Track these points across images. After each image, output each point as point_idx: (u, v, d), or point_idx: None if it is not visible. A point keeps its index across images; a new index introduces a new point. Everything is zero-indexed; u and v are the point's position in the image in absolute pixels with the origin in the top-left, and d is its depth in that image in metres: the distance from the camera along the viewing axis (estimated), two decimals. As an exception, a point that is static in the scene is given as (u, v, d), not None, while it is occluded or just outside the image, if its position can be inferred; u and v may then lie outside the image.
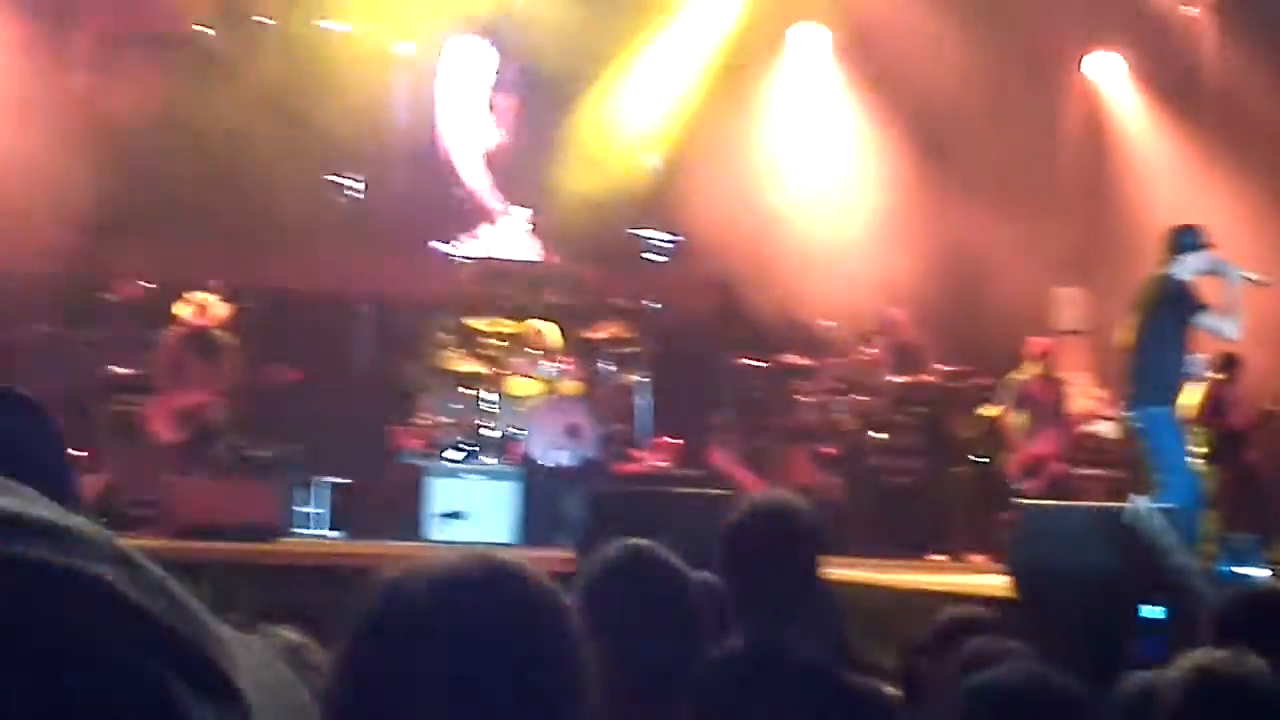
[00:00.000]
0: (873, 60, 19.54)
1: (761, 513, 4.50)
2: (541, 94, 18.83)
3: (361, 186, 18.36)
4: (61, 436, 2.25)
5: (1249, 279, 11.84)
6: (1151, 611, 9.54)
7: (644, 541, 3.43)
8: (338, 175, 18.29)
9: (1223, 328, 11.71)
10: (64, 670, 0.80)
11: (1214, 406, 14.83)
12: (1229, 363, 14.90)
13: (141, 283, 16.49)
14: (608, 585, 3.31)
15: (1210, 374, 14.61)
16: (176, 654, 0.84)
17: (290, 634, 3.43)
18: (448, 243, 18.11)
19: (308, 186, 17.98)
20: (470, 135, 18.60)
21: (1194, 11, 19.10)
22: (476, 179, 18.55)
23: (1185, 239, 11.80)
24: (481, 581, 2.17)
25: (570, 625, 2.22)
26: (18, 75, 17.40)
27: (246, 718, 0.87)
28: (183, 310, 15.26)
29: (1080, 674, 3.70)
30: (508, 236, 18.21)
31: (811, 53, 19.97)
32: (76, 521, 0.87)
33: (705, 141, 19.02)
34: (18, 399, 2.16)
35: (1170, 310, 11.64)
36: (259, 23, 18.35)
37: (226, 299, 15.49)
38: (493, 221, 18.34)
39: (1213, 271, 11.76)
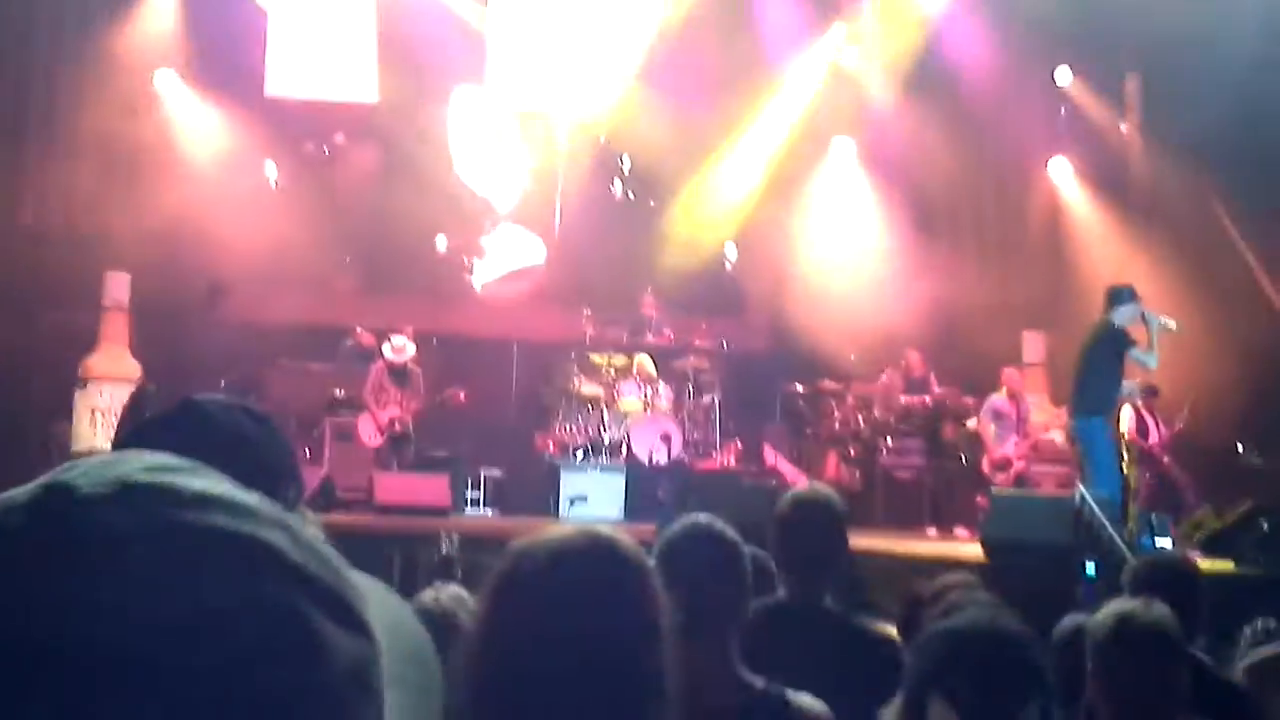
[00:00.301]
0: (885, 162, 19.54)
1: (805, 499, 4.51)
2: (649, 188, 18.85)
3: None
4: (287, 439, 2.30)
5: (1165, 325, 11.85)
6: (1090, 568, 9.48)
7: (705, 515, 3.43)
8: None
9: (1148, 360, 11.75)
10: (239, 607, 0.82)
11: (1139, 423, 14.71)
12: (1151, 390, 14.78)
13: (368, 333, 16.63)
14: (679, 548, 3.32)
15: (1138, 398, 14.53)
16: (323, 596, 0.85)
17: (448, 594, 3.46)
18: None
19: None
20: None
21: (1124, 128, 18.99)
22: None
23: (1121, 294, 11.81)
24: (584, 548, 2.21)
25: (650, 580, 2.25)
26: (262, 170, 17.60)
27: (373, 644, 0.88)
28: (386, 350, 15.39)
29: (1036, 618, 3.69)
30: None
31: (842, 157, 19.98)
32: (253, 499, 0.88)
33: (765, 223, 19.04)
34: (254, 411, 2.22)
35: (1108, 346, 11.64)
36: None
37: (415, 341, 15.59)
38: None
39: (1141, 320, 11.75)
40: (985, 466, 15.27)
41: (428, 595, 3.38)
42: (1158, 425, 14.85)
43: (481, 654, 2.17)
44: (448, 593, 3.51)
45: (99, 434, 16.02)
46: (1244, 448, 15.42)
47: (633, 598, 2.19)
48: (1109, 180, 18.82)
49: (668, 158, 18.66)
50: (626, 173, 18.62)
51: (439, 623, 3.23)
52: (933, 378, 16.84)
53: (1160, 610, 4.00)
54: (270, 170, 17.88)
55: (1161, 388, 14.86)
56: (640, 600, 2.20)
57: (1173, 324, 12.04)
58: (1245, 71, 14.76)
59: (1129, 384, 12.40)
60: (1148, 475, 14.49)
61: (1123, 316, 11.70)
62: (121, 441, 2.09)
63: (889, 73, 19.38)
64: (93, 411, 16.09)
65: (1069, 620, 4.74)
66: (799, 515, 4.41)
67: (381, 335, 15.96)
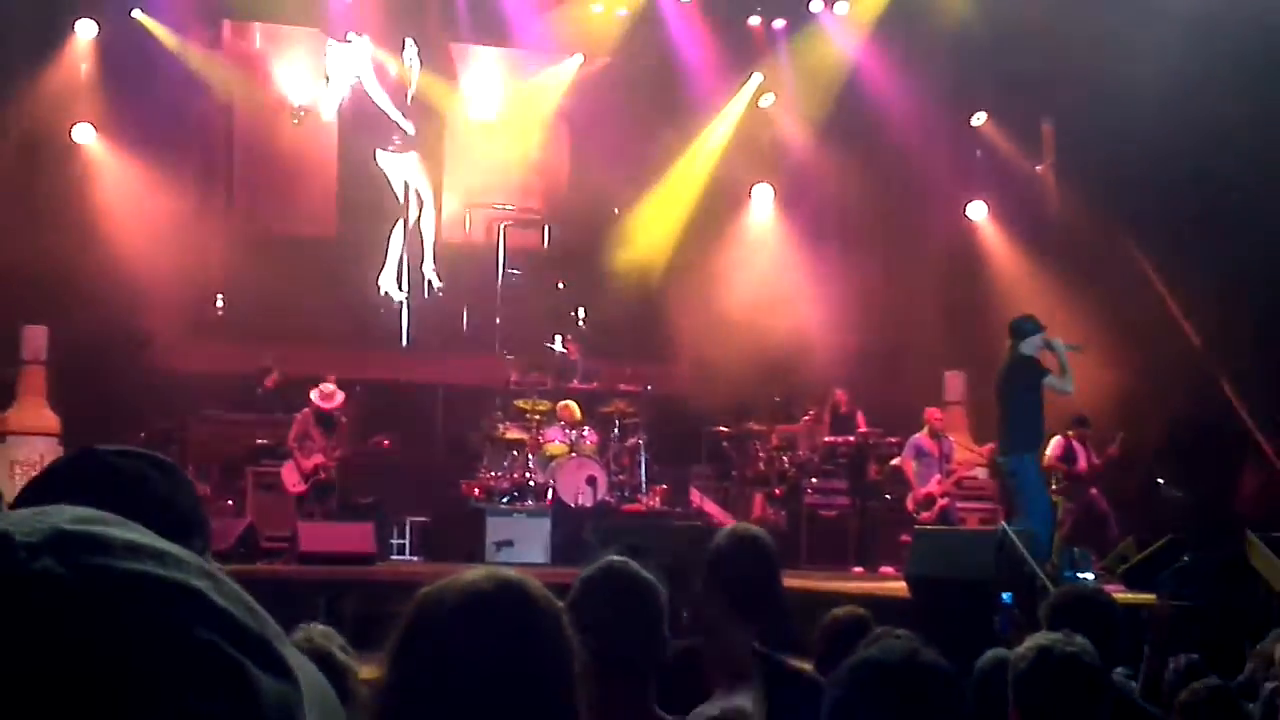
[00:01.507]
0: (805, 206, 19.71)
1: (737, 537, 4.49)
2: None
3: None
4: (193, 488, 2.25)
5: (1071, 348, 11.93)
6: (1008, 597, 9.52)
7: (619, 558, 3.40)
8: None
9: (1064, 386, 11.76)
10: (169, 652, 0.86)
11: (1067, 454, 14.79)
12: (1080, 421, 14.87)
13: (277, 374, 16.51)
14: (594, 591, 3.29)
15: (1069, 428, 14.66)
16: (249, 641, 0.89)
17: (319, 632, 3.44)
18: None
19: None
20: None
21: (1039, 169, 19.24)
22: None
23: (1025, 325, 11.86)
24: (493, 592, 2.17)
25: (561, 624, 2.21)
26: (180, 221, 17.47)
27: (296, 687, 0.92)
28: (314, 396, 15.29)
29: (960, 652, 3.69)
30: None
31: (763, 202, 20.12)
32: (177, 549, 0.92)
33: (688, 267, 19.11)
34: (160, 460, 2.17)
35: (1023, 380, 11.69)
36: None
37: (341, 387, 15.50)
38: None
39: (1047, 347, 11.80)
40: (909, 504, 15.34)
41: (299, 634, 3.36)
42: (1088, 455, 14.94)
43: (391, 702, 2.14)
44: (318, 630, 3.50)
45: (17, 487, 15.78)
46: (1164, 481, 15.59)
47: (543, 642, 2.16)
48: (1025, 221, 19.04)
49: (590, 205, 18.74)
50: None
51: (315, 661, 3.20)
52: (860, 416, 16.93)
53: (1081, 642, 4.01)
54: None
55: (1092, 421, 14.98)
56: (551, 644, 2.17)
57: (1078, 346, 12.15)
58: (1155, 111, 15.00)
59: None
60: (1072, 506, 14.59)
61: (1030, 347, 11.76)
62: (23, 493, 2.05)
63: (808, 119, 19.55)
64: (12, 465, 15.93)
65: (990, 654, 4.76)
66: (733, 553, 4.39)
67: (279, 375, 15.92)
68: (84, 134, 17.53)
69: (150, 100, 17.50)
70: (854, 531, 16.11)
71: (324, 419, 15.17)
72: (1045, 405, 11.89)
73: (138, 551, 0.89)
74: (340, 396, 15.30)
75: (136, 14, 17.61)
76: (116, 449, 2.23)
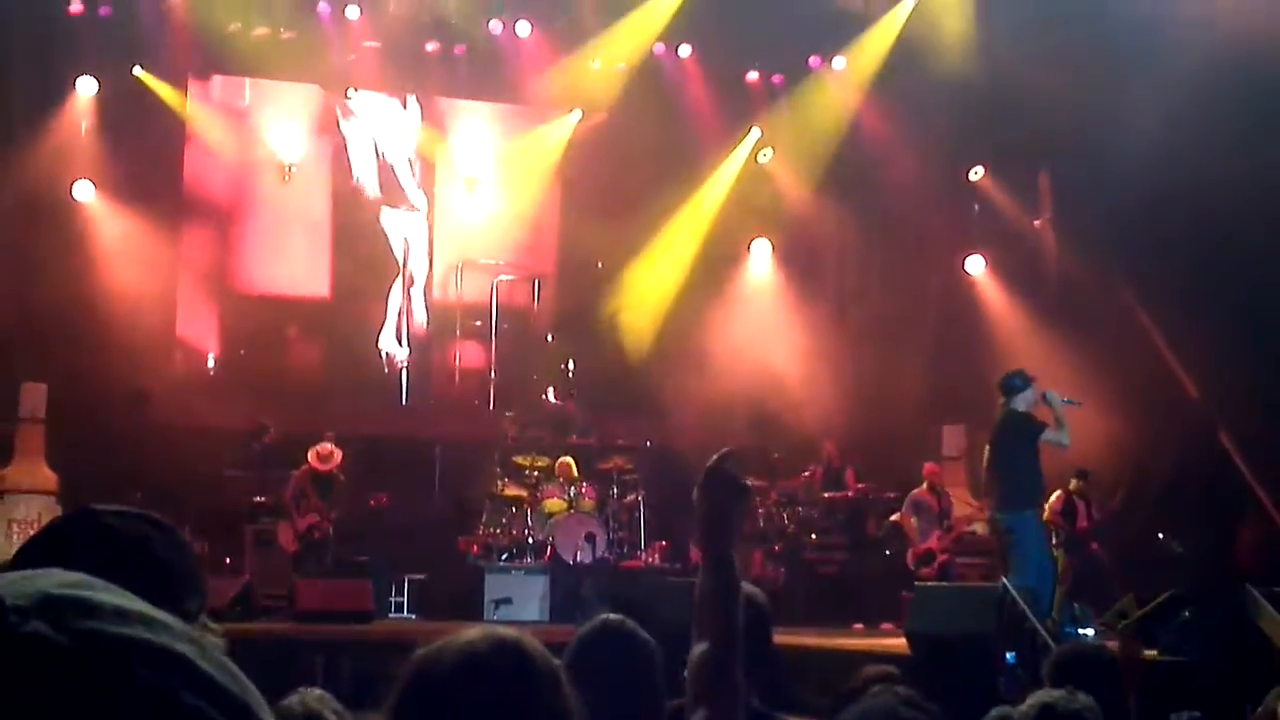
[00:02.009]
0: (803, 260, 19.76)
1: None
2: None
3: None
4: (190, 548, 2.25)
5: (1070, 403, 11.88)
6: (1011, 658, 9.49)
7: (614, 617, 3.40)
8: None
9: (1060, 439, 11.68)
10: (157, 716, 0.88)
11: (1068, 509, 14.74)
12: (1081, 475, 14.84)
13: (275, 432, 16.48)
14: (591, 649, 3.28)
15: (1069, 482, 14.62)
16: (232, 705, 0.92)
17: (313, 696, 3.44)
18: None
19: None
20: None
21: (1037, 223, 19.28)
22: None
23: (1015, 381, 11.80)
24: (490, 652, 2.17)
25: (559, 683, 2.21)
26: (179, 278, 17.50)
27: None
28: (310, 457, 15.27)
29: (958, 708, 3.68)
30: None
31: (761, 256, 20.17)
32: (163, 614, 0.93)
33: (686, 322, 19.13)
34: (157, 520, 2.18)
35: (1018, 435, 11.64)
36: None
37: (337, 445, 15.49)
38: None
39: (1043, 400, 11.74)
40: (910, 560, 15.30)
41: (293, 699, 3.35)
42: (1089, 509, 14.89)
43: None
44: (313, 695, 3.50)
45: (14, 546, 15.77)
46: (1164, 536, 15.55)
47: (542, 702, 2.15)
48: (1023, 274, 19.07)
49: (589, 261, 18.79)
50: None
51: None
52: (849, 471, 16.91)
53: (1084, 700, 4.01)
54: None
55: (1095, 475, 14.94)
56: (549, 704, 2.16)
57: (1077, 402, 12.11)
58: (1153, 164, 15.07)
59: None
60: (1073, 561, 14.54)
61: (1023, 402, 11.71)
62: (20, 553, 2.05)
63: (806, 173, 19.64)
64: (9, 523, 15.90)
65: (995, 712, 4.74)
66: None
67: (277, 433, 15.99)
68: (84, 191, 17.59)
69: (150, 157, 17.60)
70: (854, 587, 16.05)
71: (320, 479, 15.16)
72: (1043, 459, 11.85)
73: (126, 616, 0.91)
74: (338, 457, 15.28)
75: (138, 71, 17.71)
76: (115, 509, 2.23)
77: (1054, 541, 13.92)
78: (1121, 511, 15.05)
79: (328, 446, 15.25)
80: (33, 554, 2.01)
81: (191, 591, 2.19)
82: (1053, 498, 14.31)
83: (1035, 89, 16.47)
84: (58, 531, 2.16)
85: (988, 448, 11.96)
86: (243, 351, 17.86)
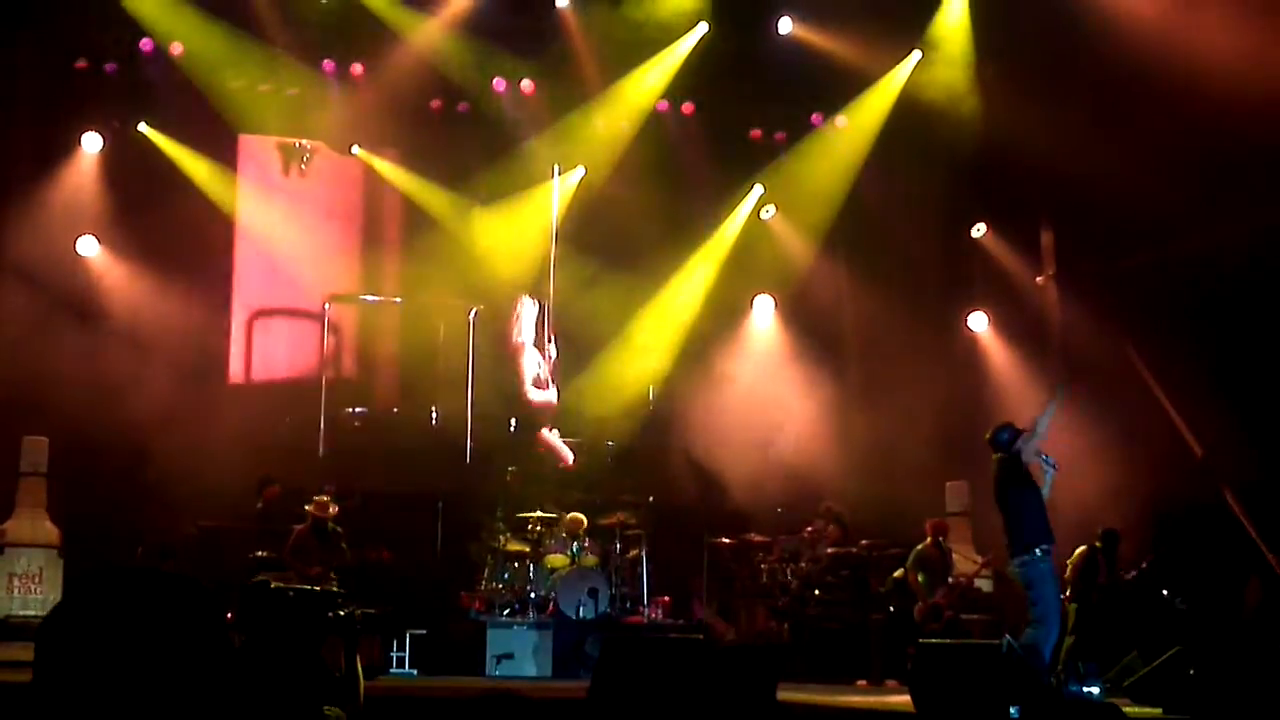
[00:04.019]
0: (806, 317, 19.83)
1: (735, 654, 4.53)
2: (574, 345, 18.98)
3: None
4: (221, 608, 2.30)
5: (1045, 460, 11.71)
6: (1015, 712, 9.50)
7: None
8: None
9: (1042, 490, 11.62)
10: None
11: (1088, 566, 14.69)
12: (1107, 535, 14.80)
13: (278, 486, 16.49)
14: None
15: (1096, 541, 14.60)
16: None
17: None
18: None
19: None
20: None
21: (1039, 280, 19.37)
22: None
23: (1001, 437, 11.74)
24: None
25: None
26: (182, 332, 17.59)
27: None
28: (309, 507, 15.28)
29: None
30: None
31: (764, 313, 20.24)
32: None
33: (690, 378, 19.18)
34: (190, 582, 2.24)
35: (1016, 479, 11.57)
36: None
37: (340, 497, 15.49)
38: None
39: (1035, 454, 11.67)
40: (917, 615, 15.28)
41: None
42: (1110, 569, 14.80)
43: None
44: None
45: (15, 599, 15.82)
46: (1168, 592, 15.54)
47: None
48: (1026, 330, 19.14)
49: (592, 315, 18.83)
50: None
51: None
52: (838, 529, 16.85)
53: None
54: None
55: (1121, 537, 14.88)
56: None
57: (1054, 463, 11.95)
58: (1154, 219, 15.15)
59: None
60: (1088, 616, 14.48)
61: (1028, 453, 11.63)
62: (53, 616, 2.11)
63: (808, 230, 19.73)
64: (10, 577, 15.91)
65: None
66: (732, 669, 4.41)
67: (279, 487, 15.95)
68: (88, 246, 17.69)
69: (154, 213, 17.68)
70: (858, 644, 16.01)
71: (321, 530, 15.14)
72: (1072, 514, 11.78)
73: None
74: (335, 508, 15.27)
75: (143, 127, 17.84)
76: (145, 569, 2.29)
77: (1065, 594, 13.92)
78: (1147, 577, 14.99)
79: (325, 497, 15.24)
80: (69, 615, 2.06)
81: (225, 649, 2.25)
82: (1076, 554, 14.34)
83: (1036, 146, 16.58)
84: (88, 590, 2.22)
85: (995, 501, 11.94)
86: (246, 406, 17.88)
